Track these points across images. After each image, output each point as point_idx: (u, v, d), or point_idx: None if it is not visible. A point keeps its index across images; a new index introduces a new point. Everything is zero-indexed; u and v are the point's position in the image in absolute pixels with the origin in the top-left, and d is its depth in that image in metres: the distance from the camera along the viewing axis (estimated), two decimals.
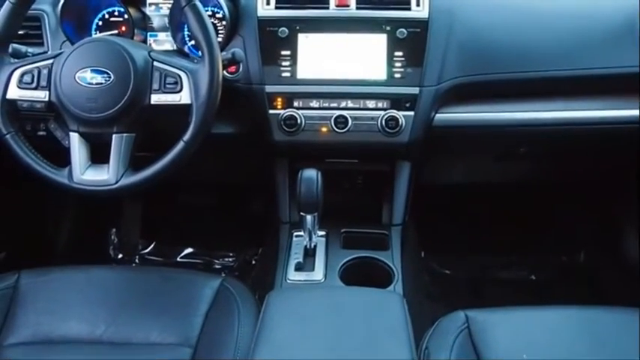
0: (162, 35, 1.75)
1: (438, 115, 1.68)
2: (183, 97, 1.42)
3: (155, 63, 1.43)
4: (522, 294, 2.35)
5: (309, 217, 1.51)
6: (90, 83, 1.39)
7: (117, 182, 1.41)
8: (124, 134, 1.42)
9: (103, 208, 2.35)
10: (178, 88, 1.42)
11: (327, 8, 1.65)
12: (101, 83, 1.39)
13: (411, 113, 1.63)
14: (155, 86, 1.42)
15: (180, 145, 1.40)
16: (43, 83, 1.41)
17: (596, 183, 2.31)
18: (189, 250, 2.46)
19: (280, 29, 1.64)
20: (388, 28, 1.63)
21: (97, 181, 1.41)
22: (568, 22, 1.71)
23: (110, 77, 1.39)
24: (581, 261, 2.45)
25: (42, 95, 1.41)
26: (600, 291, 2.29)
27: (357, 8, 1.65)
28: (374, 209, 1.80)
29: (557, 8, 1.74)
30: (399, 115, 1.62)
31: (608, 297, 2.22)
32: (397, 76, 1.63)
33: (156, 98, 1.42)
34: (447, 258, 2.43)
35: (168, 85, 1.42)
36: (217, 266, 2.43)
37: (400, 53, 1.63)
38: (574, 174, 2.23)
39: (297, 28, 1.64)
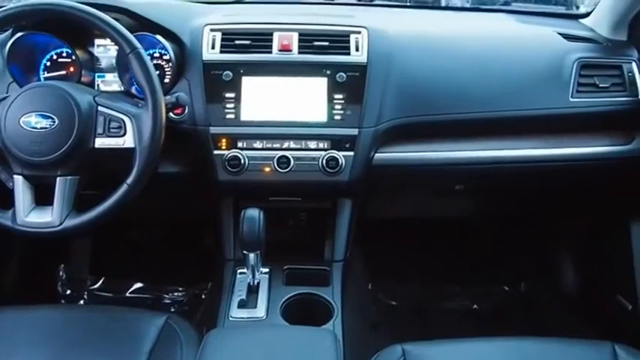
0: (109, 76, 1.79)
1: (377, 155, 1.75)
2: (127, 141, 1.46)
3: (99, 108, 1.48)
4: (466, 324, 2.42)
5: (251, 255, 1.56)
6: (34, 127, 1.42)
7: (60, 224, 1.43)
8: (68, 177, 1.45)
9: (51, 245, 2.35)
10: (122, 132, 1.46)
11: (270, 53, 1.72)
12: (45, 127, 1.42)
13: (351, 153, 1.69)
14: (99, 130, 1.46)
15: (124, 187, 1.44)
16: None
17: (534, 215, 2.41)
18: (139, 284, 2.47)
19: (225, 72, 1.69)
20: (328, 72, 1.70)
21: (41, 223, 1.44)
22: (499, 66, 1.81)
23: (55, 122, 1.43)
24: (522, 291, 2.53)
25: None
26: (540, 320, 2.38)
27: (299, 53, 1.72)
28: (317, 246, 1.86)
29: (489, 53, 1.84)
30: (339, 155, 1.68)
31: (547, 326, 2.31)
32: (337, 117, 1.70)
33: (100, 142, 1.46)
34: (394, 289, 2.49)
35: (112, 130, 1.46)
36: (167, 301, 2.45)
37: (340, 96, 1.70)
38: (511, 208, 2.33)
39: (242, 71, 1.70)
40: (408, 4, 2.40)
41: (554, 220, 2.39)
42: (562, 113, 1.79)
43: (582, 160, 1.84)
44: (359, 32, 1.75)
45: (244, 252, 1.56)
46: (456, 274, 2.50)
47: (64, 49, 1.75)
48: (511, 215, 2.38)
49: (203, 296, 2.41)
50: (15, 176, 1.45)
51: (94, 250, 2.47)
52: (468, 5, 2.62)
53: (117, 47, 1.73)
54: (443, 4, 2.65)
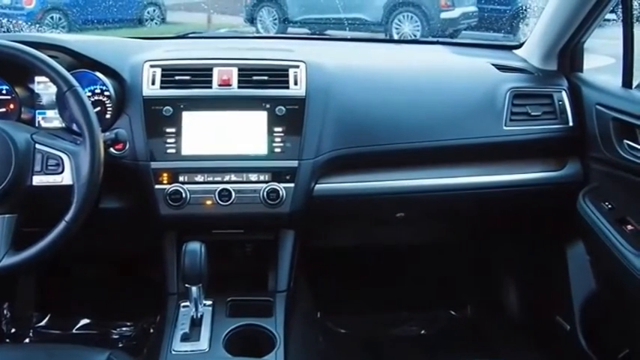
0: (50, 112, 1.79)
1: (317, 186, 1.78)
2: (65, 178, 1.47)
3: (37, 145, 1.48)
4: (415, 350, 2.45)
5: (194, 288, 1.57)
6: None
7: None
8: (6, 215, 1.45)
9: None
10: (60, 169, 1.47)
11: (210, 87, 1.75)
12: None
13: (292, 185, 1.72)
14: (37, 168, 1.47)
15: (62, 224, 1.44)
16: None
17: (476, 241, 2.47)
18: (86, 320, 2.44)
19: (165, 108, 1.72)
20: (268, 105, 1.74)
21: None
22: (435, 97, 1.88)
23: None
24: (467, 315, 2.58)
25: None
26: (486, 343, 2.42)
27: (239, 87, 1.76)
28: (261, 277, 1.87)
29: (424, 84, 1.91)
30: (280, 187, 1.71)
31: (493, 349, 2.36)
32: (277, 150, 1.73)
33: (37, 180, 1.47)
34: (342, 317, 2.51)
35: (49, 167, 1.47)
36: (115, 336, 2.41)
37: (280, 129, 1.73)
38: (452, 234, 2.39)
39: (182, 106, 1.73)
40: (348, 37, 2.46)
41: (495, 244, 2.45)
42: (496, 141, 1.86)
43: (517, 186, 1.90)
44: (297, 66, 1.79)
45: (187, 285, 1.57)
46: (403, 301, 2.54)
47: (4, 87, 1.75)
48: (452, 241, 2.43)
49: (151, 330, 2.39)
50: None
51: (39, 286, 2.44)
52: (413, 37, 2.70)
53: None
54: (395, 36, 2.74)
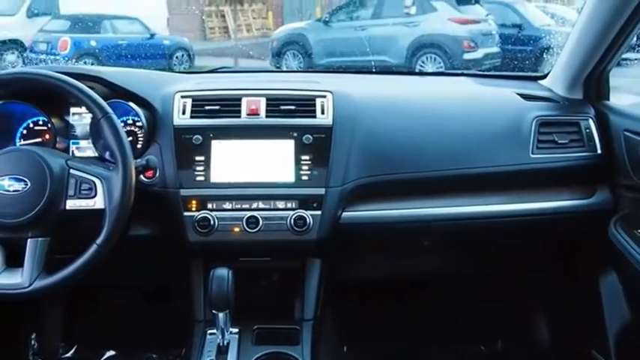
0: (84, 142, 1.84)
1: (344, 214, 1.79)
2: (97, 202, 1.50)
3: (71, 170, 1.52)
4: None
5: (221, 315, 1.57)
6: (7, 190, 1.46)
7: (30, 285, 1.45)
8: (39, 239, 1.48)
9: (22, 313, 2.34)
10: (93, 193, 1.50)
11: (239, 117, 1.79)
12: (18, 190, 1.46)
13: (318, 212, 1.74)
14: (70, 192, 1.50)
15: (93, 248, 1.47)
16: None
17: (506, 272, 2.44)
18: (112, 352, 2.44)
19: (195, 137, 1.75)
20: (295, 134, 1.76)
21: (10, 284, 1.45)
22: (460, 125, 1.89)
23: (27, 184, 1.47)
24: (498, 350, 2.54)
25: None
26: None
27: (267, 116, 1.79)
28: (287, 305, 1.87)
29: (450, 113, 1.92)
30: (307, 214, 1.72)
31: None
32: (304, 178, 1.75)
33: (71, 203, 1.50)
34: (368, 350, 2.48)
35: (83, 191, 1.51)
36: None
37: (307, 157, 1.75)
38: (479, 264, 2.36)
39: (211, 135, 1.76)
40: (373, 70, 2.49)
41: (525, 275, 2.42)
42: (524, 169, 1.86)
43: (545, 214, 1.89)
44: (324, 96, 1.82)
45: (213, 312, 1.58)
46: (431, 335, 2.50)
47: (40, 118, 1.81)
48: (481, 271, 2.41)
49: None
50: None
51: (66, 317, 2.46)
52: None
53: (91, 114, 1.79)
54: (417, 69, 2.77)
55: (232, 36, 17.05)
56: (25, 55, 11.01)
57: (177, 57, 11.90)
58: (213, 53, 13.65)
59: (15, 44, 11.39)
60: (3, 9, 13.14)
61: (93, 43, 11.06)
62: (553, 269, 2.27)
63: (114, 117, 1.53)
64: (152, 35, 12.03)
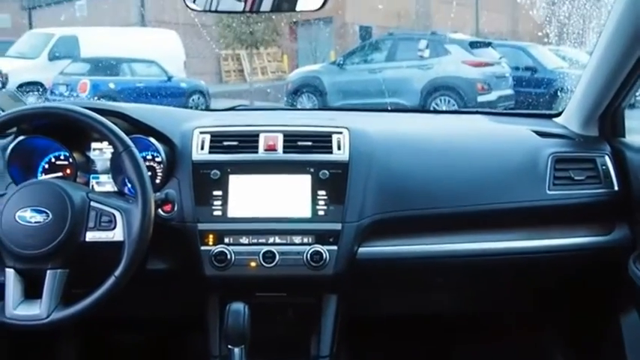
0: (104, 177, 1.87)
1: (360, 249, 1.79)
2: (117, 235, 1.52)
3: (92, 203, 1.55)
4: None
5: (236, 350, 1.57)
6: (29, 222, 1.49)
7: (48, 317, 1.46)
8: (58, 270, 1.50)
9: (36, 352, 2.33)
10: (112, 225, 1.53)
11: (257, 152, 1.81)
12: (39, 222, 1.49)
13: (335, 247, 1.74)
14: (90, 224, 1.53)
15: (111, 280, 1.49)
16: None
17: (523, 310, 2.42)
18: None
19: (213, 171, 1.77)
20: (312, 169, 1.78)
21: (29, 315, 1.47)
22: (476, 162, 1.90)
23: (48, 216, 1.49)
24: None
25: None
26: None
27: (284, 152, 1.81)
28: (303, 341, 1.86)
29: (466, 149, 1.94)
30: (323, 249, 1.73)
31: None
32: (321, 213, 1.76)
33: (90, 235, 1.52)
34: None
35: (103, 224, 1.53)
36: None
37: (323, 192, 1.77)
38: (499, 302, 2.34)
39: (229, 170, 1.78)
40: (388, 108, 2.52)
41: (543, 314, 2.39)
42: (540, 206, 1.86)
43: (562, 251, 1.88)
44: (341, 132, 1.85)
45: (229, 347, 1.57)
46: None
47: (62, 153, 1.84)
48: (498, 309, 2.38)
49: None
50: (7, 270, 1.50)
51: (79, 355, 2.45)
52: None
53: (112, 150, 1.83)
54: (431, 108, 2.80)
55: (248, 79, 17.30)
56: (45, 96, 11.23)
57: (193, 99, 12.09)
58: (229, 95, 13.86)
59: (36, 86, 11.64)
60: (26, 52, 13.47)
61: (111, 86, 11.29)
62: (571, 307, 2.24)
63: (135, 150, 1.56)
64: (169, 78, 12.26)
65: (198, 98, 12.28)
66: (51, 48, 13.48)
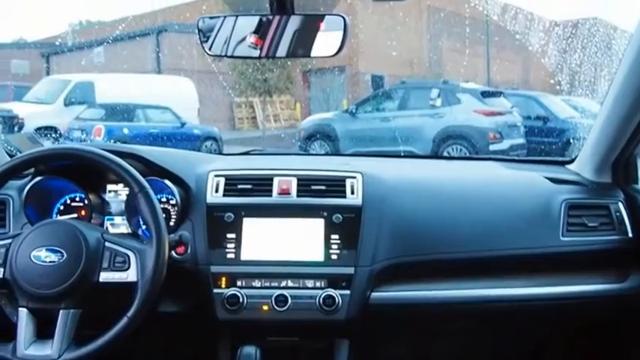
0: (118, 219, 1.88)
1: (373, 294, 1.78)
2: (130, 275, 1.52)
3: (107, 243, 1.56)
4: None
5: None
6: (43, 261, 1.50)
7: (59, 357, 1.46)
8: (71, 310, 1.50)
9: None
10: (126, 266, 1.53)
11: (271, 196, 1.82)
12: (54, 261, 1.50)
13: (347, 292, 1.73)
14: (104, 264, 1.53)
15: (124, 320, 1.48)
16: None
17: (540, 357, 2.37)
18: None
19: (227, 214, 1.79)
20: (325, 213, 1.79)
21: (40, 356, 1.46)
22: (489, 207, 1.90)
23: (63, 255, 1.50)
24: None
25: None
26: None
27: (298, 196, 1.82)
28: None
29: (479, 195, 1.94)
30: (336, 293, 1.72)
31: None
32: (333, 257, 1.76)
33: (104, 276, 1.52)
34: None
35: (117, 264, 1.53)
36: None
37: (336, 236, 1.77)
38: (514, 349, 2.30)
39: (243, 213, 1.79)
40: (401, 154, 2.54)
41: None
42: (554, 252, 1.85)
43: (577, 298, 1.86)
44: (354, 177, 1.86)
45: None
46: None
47: (78, 194, 1.86)
48: (513, 356, 2.34)
49: None
50: (20, 309, 1.50)
51: None
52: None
53: (127, 192, 1.84)
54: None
55: (261, 126, 17.47)
56: (60, 141, 11.37)
57: (206, 145, 12.20)
58: (241, 142, 13.97)
59: (51, 131, 11.81)
60: (42, 97, 13.74)
61: (125, 131, 11.43)
62: (589, 354, 2.20)
63: (150, 192, 1.58)
64: (183, 124, 12.41)
65: (211, 144, 12.40)
66: (67, 94, 13.73)
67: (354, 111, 11.44)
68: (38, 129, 11.52)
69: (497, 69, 20.17)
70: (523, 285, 1.85)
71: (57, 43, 20.80)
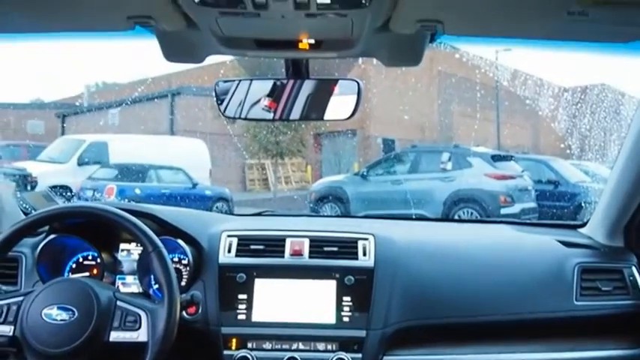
0: (130, 278, 1.89)
1: (385, 357, 1.76)
2: (141, 335, 1.51)
3: (118, 302, 1.55)
4: None
5: None
6: (55, 319, 1.49)
7: None
8: None
9: None
10: (137, 326, 1.52)
11: (283, 257, 1.83)
12: (65, 319, 1.49)
13: (359, 355, 1.71)
14: (115, 324, 1.52)
15: None
16: (10, 319, 1.51)
17: None
18: None
19: (239, 275, 1.79)
20: (337, 275, 1.79)
21: None
22: (501, 271, 1.89)
23: (74, 314, 1.50)
24: None
25: (7, 330, 1.50)
26: None
27: (310, 257, 1.83)
28: None
29: (490, 258, 1.94)
30: (348, 356, 1.70)
31: None
32: (345, 319, 1.74)
33: (115, 335, 1.52)
34: None
35: (127, 323, 1.52)
36: None
37: (348, 298, 1.76)
38: None
39: (255, 273, 1.79)
40: (413, 217, 2.54)
41: None
42: (568, 317, 1.83)
43: None
44: (366, 239, 1.86)
45: None
46: None
47: (91, 253, 1.87)
48: None
49: None
50: None
51: None
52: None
53: (139, 251, 1.85)
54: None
55: (272, 188, 17.56)
56: (72, 200, 11.45)
57: (217, 206, 12.24)
58: (252, 204, 14.01)
59: (63, 190, 11.90)
60: (56, 157, 13.91)
61: (137, 191, 11.50)
62: None
63: (164, 251, 1.58)
64: (194, 185, 12.49)
65: (222, 205, 12.43)
66: (81, 153, 13.89)
67: (365, 174, 11.49)
68: (50, 188, 11.62)
69: (508, 133, 20.31)
70: (535, 350, 1.83)
71: (73, 104, 21.23)
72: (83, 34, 1.45)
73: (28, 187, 11.35)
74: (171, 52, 1.46)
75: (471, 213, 9.69)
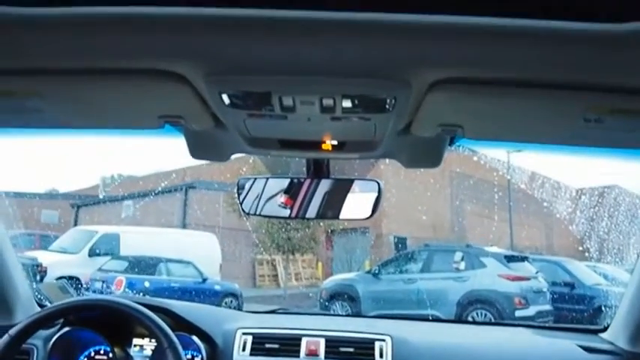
0: None
1: None
2: None
3: None
4: None
5: None
6: None
7: None
8: None
9: None
10: None
11: (298, 357, 1.80)
12: None
13: None
14: None
15: None
16: None
17: None
18: None
19: None
20: None
21: None
22: None
23: None
24: None
25: None
26: None
27: (326, 358, 1.80)
28: None
29: None
30: None
31: None
32: None
33: None
34: None
35: None
36: None
37: None
38: None
39: None
40: (430, 318, 2.51)
41: None
42: None
43: None
44: (383, 340, 1.83)
45: None
46: None
47: (103, 347, 1.85)
48: None
49: None
50: None
51: None
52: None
53: (152, 346, 1.83)
54: None
55: (282, 284, 17.37)
56: (81, 292, 11.38)
57: (226, 302, 12.11)
58: (262, 300, 13.84)
59: (73, 281, 11.85)
60: (67, 247, 13.94)
61: (146, 284, 11.43)
62: None
63: (179, 348, 1.56)
64: (204, 279, 12.41)
65: (231, 301, 12.30)
66: (92, 244, 13.93)
67: (377, 272, 11.39)
68: (59, 278, 11.57)
69: (522, 234, 20.19)
70: None
71: (88, 195, 21.49)
72: (111, 131, 1.49)
73: (37, 278, 11.31)
74: (198, 150, 1.50)
75: (485, 314, 9.51)
